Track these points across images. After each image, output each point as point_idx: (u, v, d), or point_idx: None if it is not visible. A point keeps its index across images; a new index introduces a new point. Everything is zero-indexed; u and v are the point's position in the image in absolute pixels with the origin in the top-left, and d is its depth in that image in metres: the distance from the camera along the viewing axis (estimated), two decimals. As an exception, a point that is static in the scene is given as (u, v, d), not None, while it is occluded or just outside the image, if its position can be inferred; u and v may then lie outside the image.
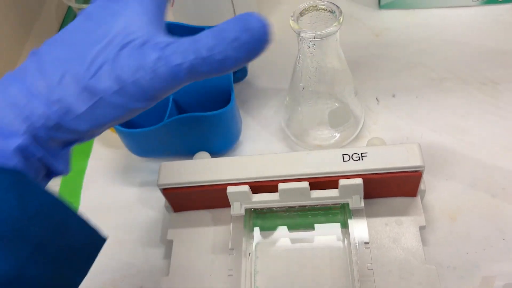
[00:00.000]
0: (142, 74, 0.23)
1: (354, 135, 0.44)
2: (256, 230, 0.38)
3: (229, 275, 0.37)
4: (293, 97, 0.43)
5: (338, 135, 0.44)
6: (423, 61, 0.50)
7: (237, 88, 0.50)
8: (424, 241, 0.37)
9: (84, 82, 0.24)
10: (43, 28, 0.56)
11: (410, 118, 0.46)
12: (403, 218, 0.38)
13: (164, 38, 0.24)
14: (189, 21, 0.49)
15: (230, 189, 0.36)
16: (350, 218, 0.37)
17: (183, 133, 0.43)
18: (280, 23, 0.56)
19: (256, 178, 0.36)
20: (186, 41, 0.23)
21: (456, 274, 0.36)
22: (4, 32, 0.49)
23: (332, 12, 0.36)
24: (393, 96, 0.48)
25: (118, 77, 0.23)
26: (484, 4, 0.53)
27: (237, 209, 0.37)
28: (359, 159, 0.36)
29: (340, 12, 0.35)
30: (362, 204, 0.36)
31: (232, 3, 0.50)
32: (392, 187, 0.37)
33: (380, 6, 0.55)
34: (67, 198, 0.46)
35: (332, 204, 0.38)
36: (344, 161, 0.36)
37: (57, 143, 0.25)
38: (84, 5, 0.48)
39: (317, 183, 0.36)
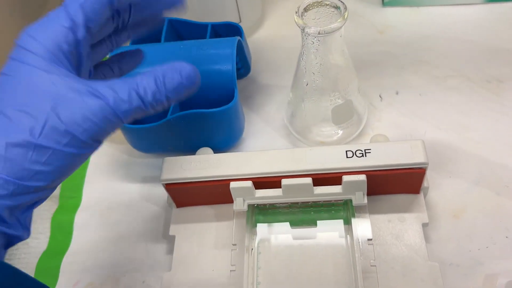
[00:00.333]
0: (90, 124, 0.24)
1: (357, 132, 0.44)
2: (259, 226, 0.38)
3: (231, 271, 0.37)
4: (296, 93, 0.43)
5: (341, 132, 0.44)
6: (426, 58, 0.50)
7: (240, 84, 0.50)
8: (427, 238, 0.37)
9: (33, 142, 0.24)
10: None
11: (414, 116, 0.46)
12: (406, 215, 0.37)
13: (95, 85, 0.25)
14: (192, 17, 0.49)
15: (233, 185, 0.36)
16: (353, 214, 0.37)
17: (186, 130, 0.42)
18: (284, 18, 0.56)
19: (259, 174, 0.36)
20: (124, 88, 0.25)
21: (459, 271, 0.36)
22: (7, 30, 0.49)
23: (336, 8, 0.36)
24: (397, 93, 0.48)
25: (66, 131, 0.24)
26: (489, 2, 0.53)
27: (240, 204, 0.37)
28: (363, 156, 0.36)
29: (345, 8, 0.35)
30: (365, 201, 0.36)
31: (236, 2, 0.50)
32: (395, 184, 0.37)
33: (384, 3, 0.55)
34: (69, 194, 0.46)
35: (335, 201, 0.38)
36: (347, 157, 0.36)
37: (17, 210, 0.25)
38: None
39: (320, 179, 0.36)
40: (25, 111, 0.24)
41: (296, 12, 0.36)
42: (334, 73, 0.40)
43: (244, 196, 0.37)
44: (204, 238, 0.39)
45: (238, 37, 0.45)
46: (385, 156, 0.35)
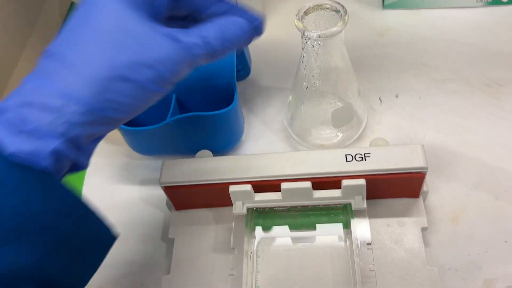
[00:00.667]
0: (170, 65, 0.26)
1: (357, 136, 0.44)
2: (258, 229, 0.38)
3: (230, 274, 0.37)
4: (296, 96, 0.43)
5: (340, 135, 0.44)
6: (426, 61, 0.50)
7: (240, 86, 0.50)
8: (426, 242, 0.37)
9: (118, 74, 0.25)
10: (46, 24, 0.56)
11: (414, 119, 0.46)
12: (405, 219, 0.37)
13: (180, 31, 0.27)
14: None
15: (232, 188, 0.36)
16: (353, 218, 0.36)
17: (186, 132, 0.42)
18: (284, 22, 0.56)
19: (259, 177, 0.36)
20: (197, 34, 0.27)
21: (458, 276, 0.36)
22: (7, 28, 0.49)
23: (337, 11, 0.36)
24: (397, 96, 0.48)
25: (150, 67, 0.25)
26: (489, 5, 0.53)
27: (239, 208, 0.37)
28: (362, 160, 0.36)
29: (345, 12, 0.35)
30: (365, 205, 0.36)
31: (236, 2, 0.50)
32: (394, 188, 0.37)
33: (384, 6, 0.55)
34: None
35: (334, 204, 0.38)
36: (347, 161, 0.36)
37: (89, 139, 0.26)
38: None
39: (320, 183, 0.36)
40: (108, 46, 0.25)
41: (296, 16, 0.36)
42: (334, 76, 0.40)
43: (243, 199, 0.37)
44: (203, 241, 0.39)
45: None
46: (384, 160, 0.35)
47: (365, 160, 0.36)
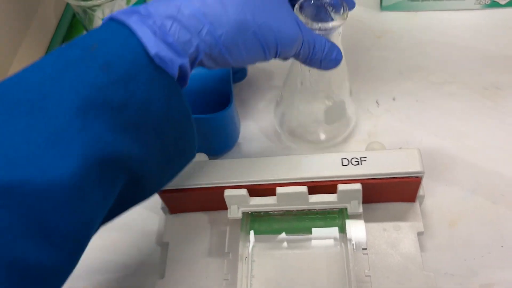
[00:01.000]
0: (291, 41, 0.31)
1: (347, 132, 0.44)
2: (253, 233, 0.38)
3: (225, 279, 0.36)
4: (288, 92, 0.42)
5: (331, 132, 0.43)
6: (424, 64, 0.50)
7: (236, 88, 0.50)
8: (422, 247, 0.37)
9: (254, 28, 0.28)
10: (41, 25, 0.56)
11: (411, 122, 0.45)
12: (401, 224, 0.37)
13: None
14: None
15: (227, 192, 0.36)
16: (348, 222, 0.36)
17: (181, 134, 0.42)
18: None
19: (254, 181, 0.36)
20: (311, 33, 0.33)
21: (454, 281, 0.36)
22: (2, 28, 0.48)
23: (336, 7, 0.35)
24: (394, 99, 0.47)
25: (275, 37, 0.30)
26: (486, 7, 0.53)
27: (234, 212, 0.37)
28: (358, 164, 0.35)
29: (345, 8, 0.34)
30: (361, 210, 0.35)
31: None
32: (391, 192, 0.37)
33: (382, 8, 0.55)
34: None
35: (330, 209, 0.38)
36: (343, 165, 0.36)
37: (194, 66, 0.29)
38: (82, 2, 0.47)
39: (316, 187, 0.36)
40: (257, 4, 0.29)
41: (296, 9, 0.35)
42: (328, 72, 0.39)
43: (238, 203, 0.36)
44: (198, 245, 0.39)
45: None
46: (380, 165, 0.35)
47: (361, 164, 0.35)
